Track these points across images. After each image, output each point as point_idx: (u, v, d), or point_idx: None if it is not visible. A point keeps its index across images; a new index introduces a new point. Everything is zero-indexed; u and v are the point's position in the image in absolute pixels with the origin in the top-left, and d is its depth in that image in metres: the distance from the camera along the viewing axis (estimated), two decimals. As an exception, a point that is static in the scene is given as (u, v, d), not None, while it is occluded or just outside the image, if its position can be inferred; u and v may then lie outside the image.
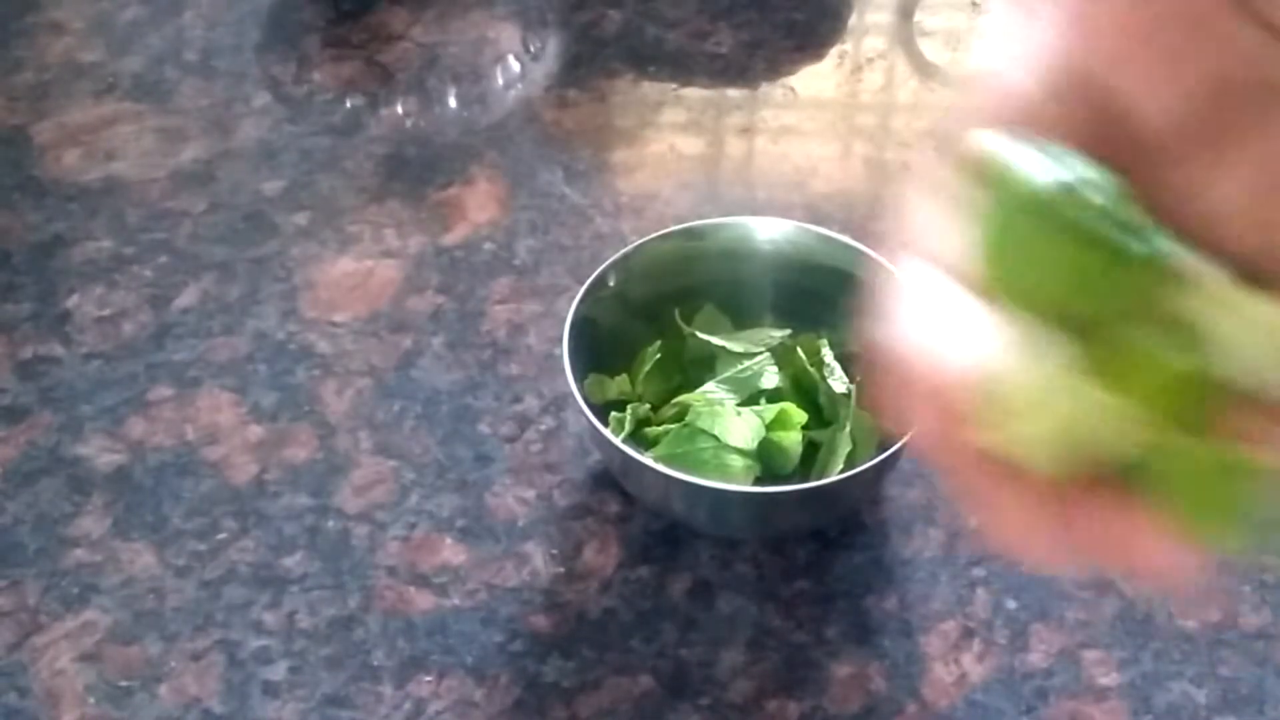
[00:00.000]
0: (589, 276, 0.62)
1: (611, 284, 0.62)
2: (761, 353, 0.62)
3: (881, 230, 0.75)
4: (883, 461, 0.57)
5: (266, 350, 0.69)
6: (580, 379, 0.59)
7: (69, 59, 0.84)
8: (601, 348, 0.62)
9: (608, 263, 0.62)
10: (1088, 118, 0.29)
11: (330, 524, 0.62)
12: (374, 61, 0.84)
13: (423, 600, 0.59)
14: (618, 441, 0.57)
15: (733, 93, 0.84)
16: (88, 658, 0.58)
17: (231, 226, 0.75)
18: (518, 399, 0.66)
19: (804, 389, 0.62)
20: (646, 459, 0.57)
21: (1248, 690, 0.57)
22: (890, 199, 0.41)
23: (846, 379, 0.62)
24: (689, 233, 0.64)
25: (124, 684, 0.57)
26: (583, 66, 0.84)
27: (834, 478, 0.58)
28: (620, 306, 0.63)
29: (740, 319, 0.65)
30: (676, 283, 0.64)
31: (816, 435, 0.61)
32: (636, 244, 0.63)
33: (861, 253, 0.62)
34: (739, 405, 0.60)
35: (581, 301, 0.60)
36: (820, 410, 0.61)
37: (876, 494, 0.63)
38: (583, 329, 0.60)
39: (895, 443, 0.57)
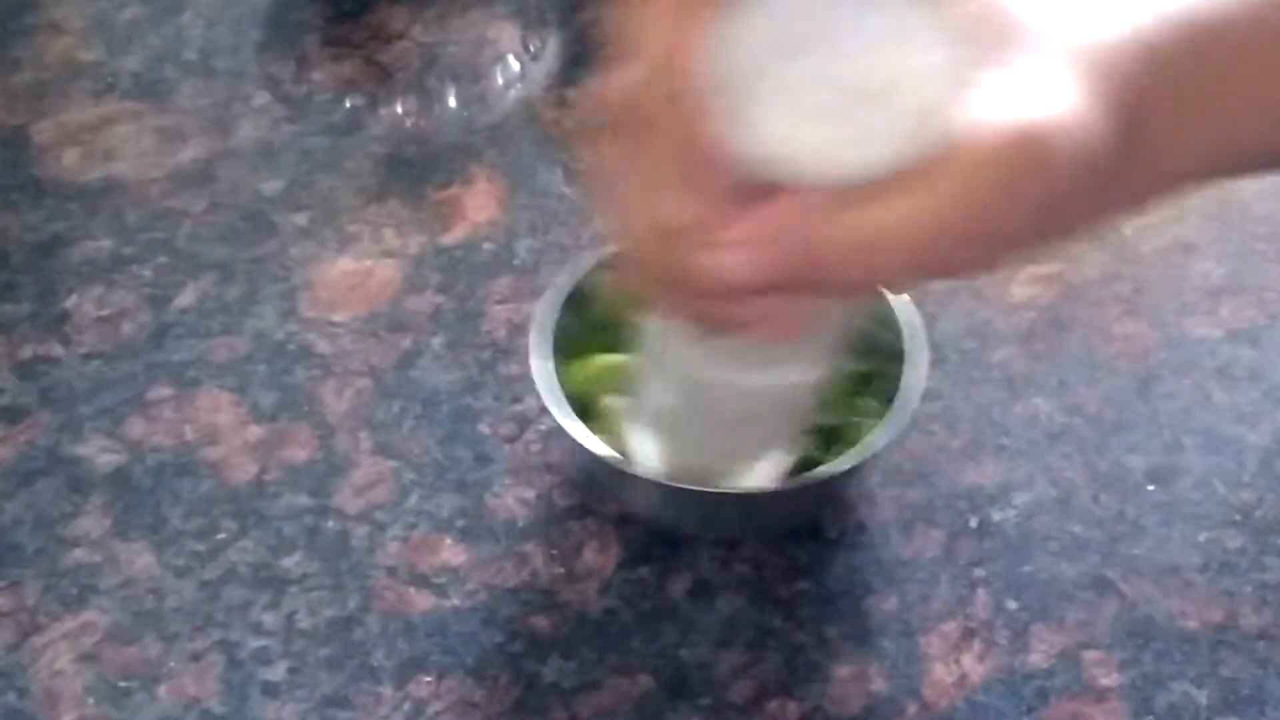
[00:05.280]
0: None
1: (586, 288, 0.62)
2: None
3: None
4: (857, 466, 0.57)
5: (266, 350, 0.69)
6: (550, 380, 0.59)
7: (68, 59, 0.84)
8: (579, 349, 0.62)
9: (589, 264, 0.62)
10: None
11: (330, 524, 0.62)
12: (373, 61, 0.84)
13: (423, 600, 0.59)
14: (591, 446, 0.57)
15: (733, 92, 0.84)
16: (87, 658, 0.58)
17: (231, 226, 0.75)
18: (518, 399, 0.66)
19: None
20: (615, 459, 0.57)
21: (1249, 691, 0.57)
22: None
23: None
24: None
25: (123, 684, 0.57)
26: (583, 66, 0.84)
27: (816, 475, 0.57)
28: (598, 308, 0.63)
29: None
30: None
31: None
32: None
33: None
34: None
35: (547, 312, 0.60)
36: None
37: (859, 486, 0.63)
38: (559, 335, 0.60)
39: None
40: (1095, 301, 0.71)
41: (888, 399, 0.58)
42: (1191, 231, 0.75)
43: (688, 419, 0.53)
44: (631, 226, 0.41)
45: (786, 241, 0.38)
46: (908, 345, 0.59)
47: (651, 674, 0.57)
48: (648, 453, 0.56)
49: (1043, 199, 0.37)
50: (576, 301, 0.61)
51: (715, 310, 0.42)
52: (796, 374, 0.49)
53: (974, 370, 0.68)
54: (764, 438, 0.55)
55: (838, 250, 0.38)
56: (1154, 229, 0.75)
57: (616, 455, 0.57)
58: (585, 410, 0.60)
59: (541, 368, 0.59)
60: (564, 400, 0.59)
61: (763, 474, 0.56)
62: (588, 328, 0.62)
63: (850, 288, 0.41)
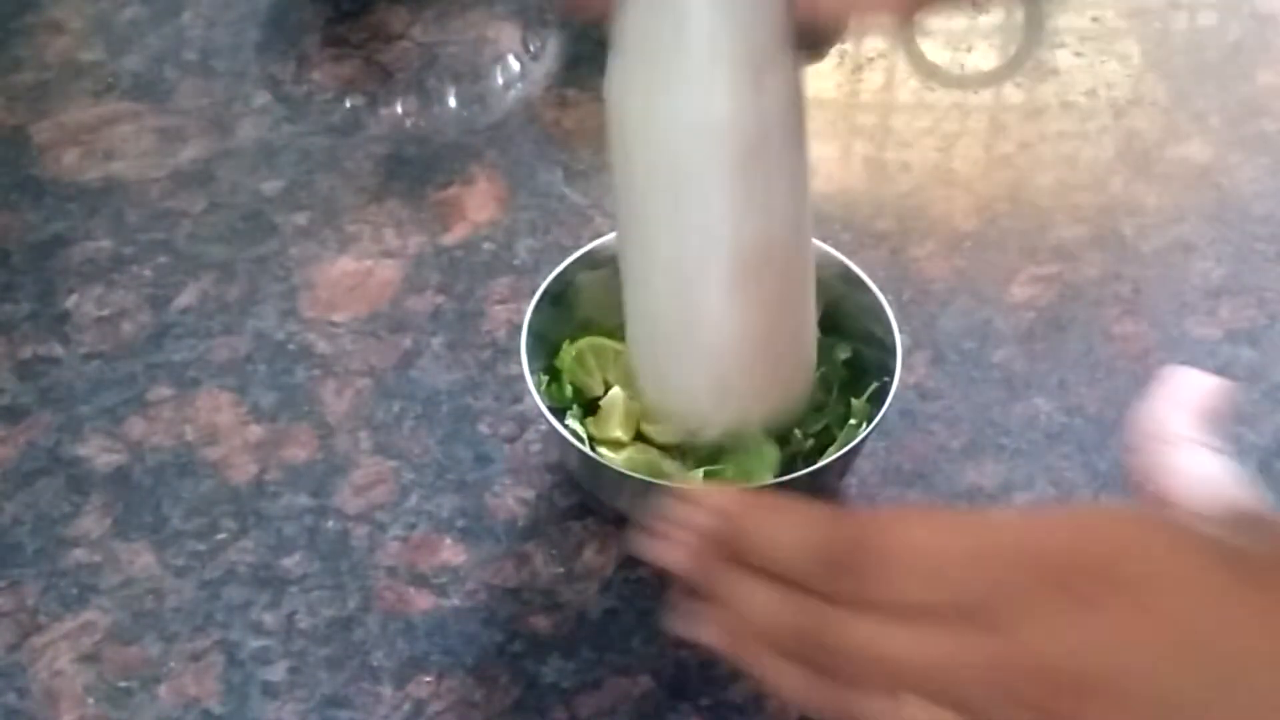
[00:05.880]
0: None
1: (579, 284, 0.62)
2: None
3: (881, 230, 0.75)
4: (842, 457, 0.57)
5: (266, 350, 0.69)
6: (538, 377, 0.60)
7: (68, 58, 0.84)
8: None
9: (568, 261, 0.62)
10: None
11: (330, 524, 0.62)
12: (373, 61, 0.84)
13: (423, 600, 0.59)
14: (578, 443, 0.58)
15: (733, 93, 0.84)
16: (87, 658, 0.58)
17: (231, 226, 0.75)
18: (518, 399, 0.66)
19: None
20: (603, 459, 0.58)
21: (1248, 691, 0.57)
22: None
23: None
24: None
25: (123, 684, 0.57)
26: (583, 66, 0.84)
27: (784, 478, 0.57)
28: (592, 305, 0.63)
29: None
30: None
31: None
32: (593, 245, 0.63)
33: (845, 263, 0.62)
34: None
35: (538, 307, 0.60)
36: None
37: (852, 478, 0.63)
38: (541, 330, 0.60)
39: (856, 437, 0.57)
40: (1095, 301, 0.71)
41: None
42: (1191, 231, 0.75)
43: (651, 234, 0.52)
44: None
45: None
46: (891, 339, 0.59)
47: (651, 674, 0.57)
48: (653, 379, 0.56)
49: None
50: (566, 297, 0.62)
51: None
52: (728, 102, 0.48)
53: (974, 370, 0.68)
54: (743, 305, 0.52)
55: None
56: (1154, 229, 0.75)
57: (610, 458, 0.57)
58: (578, 393, 0.61)
59: (533, 374, 0.59)
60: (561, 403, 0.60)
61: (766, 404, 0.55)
62: (578, 322, 0.62)
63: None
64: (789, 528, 0.43)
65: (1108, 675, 0.38)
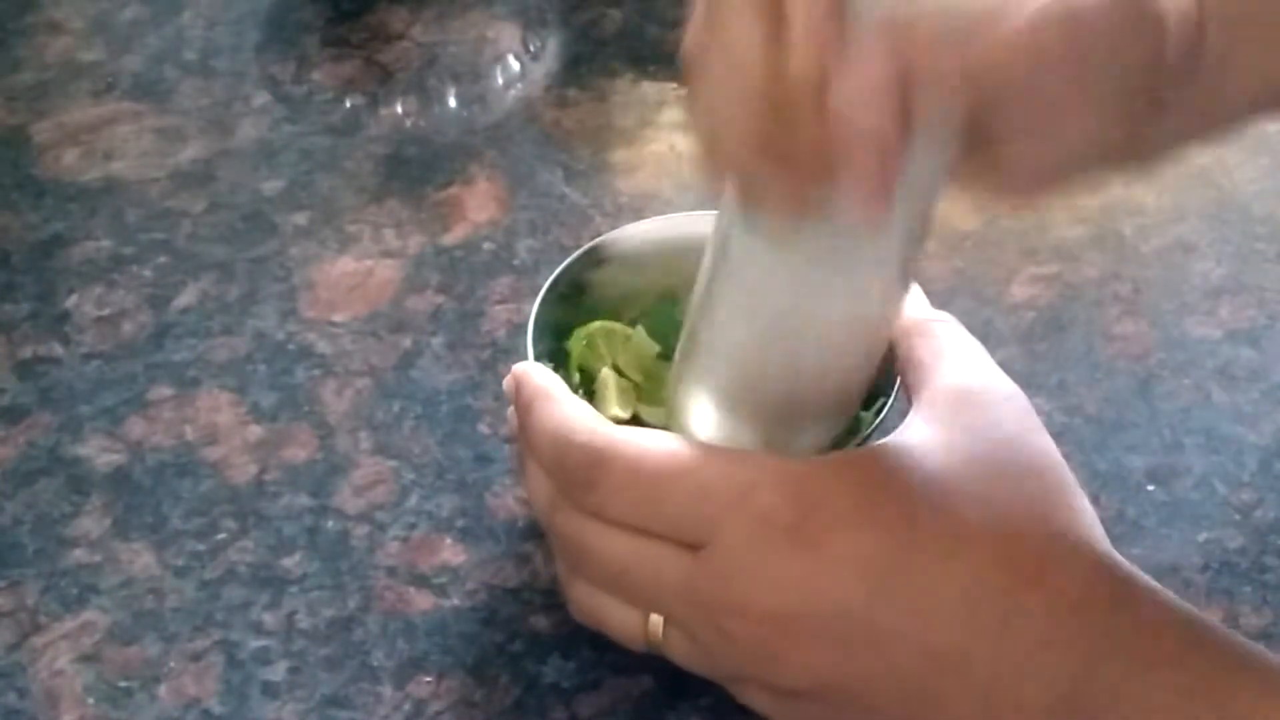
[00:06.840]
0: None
1: (582, 278, 0.62)
2: None
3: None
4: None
5: (266, 350, 0.69)
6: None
7: (68, 58, 0.84)
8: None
9: (573, 256, 0.61)
10: None
11: (330, 524, 0.62)
12: (373, 61, 0.84)
13: (423, 600, 0.59)
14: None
15: (733, 93, 0.84)
16: (87, 658, 0.58)
17: (231, 226, 0.75)
18: (518, 399, 0.66)
19: None
20: None
21: (1249, 691, 0.57)
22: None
23: None
24: (667, 226, 0.63)
25: (123, 684, 0.57)
26: (583, 66, 0.84)
27: None
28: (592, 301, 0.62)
29: None
30: (657, 276, 0.63)
31: None
32: (603, 237, 0.62)
33: None
34: None
35: (544, 300, 0.60)
36: None
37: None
38: (547, 331, 0.60)
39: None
40: (1095, 301, 0.71)
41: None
42: (1191, 231, 0.75)
43: (756, 365, 0.52)
44: (739, 91, 0.42)
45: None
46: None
47: (651, 674, 0.57)
48: (699, 419, 0.55)
49: (1138, 43, 0.39)
50: (571, 294, 0.61)
51: (814, 164, 0.42)
52: (878, 290, 0.50)
53: (974, 370, 0.68)
54: (827, 391, 0.53)
55: (951, 37, 0.39)
56: (1154, 229, 0.75)
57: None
58: (585, 378, 0.61)
59: (538, 360, 0.59)
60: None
61: (808, 445, 0.55)
62: (583, 317, 0.62)
63: (962, 74, 0.41)
64: (544, 429, 0.50)
65: (799, 611, 0.45)
